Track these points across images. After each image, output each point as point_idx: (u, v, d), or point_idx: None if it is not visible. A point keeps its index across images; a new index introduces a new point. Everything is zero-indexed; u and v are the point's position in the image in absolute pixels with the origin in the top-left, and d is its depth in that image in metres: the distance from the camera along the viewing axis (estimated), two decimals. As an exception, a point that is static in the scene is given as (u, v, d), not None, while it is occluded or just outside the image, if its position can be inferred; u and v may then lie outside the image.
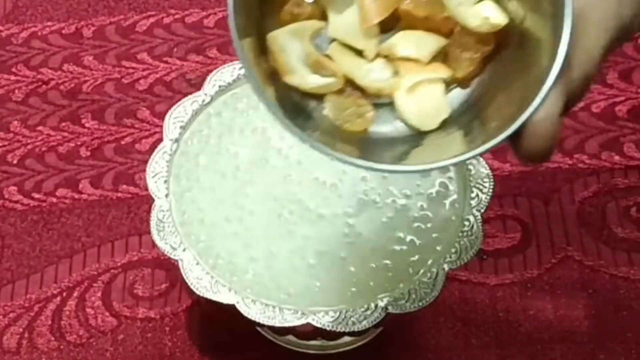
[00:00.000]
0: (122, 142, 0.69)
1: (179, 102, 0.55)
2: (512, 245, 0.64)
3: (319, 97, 0.39)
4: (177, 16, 0.75)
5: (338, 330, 0.50)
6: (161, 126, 0.56)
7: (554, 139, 0.35)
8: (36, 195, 0.67)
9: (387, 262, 0.51)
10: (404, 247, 0.52)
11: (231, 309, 0.50)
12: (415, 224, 0.52)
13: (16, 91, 0.72)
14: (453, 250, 0.51)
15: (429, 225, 0.52)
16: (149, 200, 0.54)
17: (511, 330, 0.61)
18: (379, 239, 0.52)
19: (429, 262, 0.51)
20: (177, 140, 0.54)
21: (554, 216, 0.64)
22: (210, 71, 0.57)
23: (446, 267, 0.51)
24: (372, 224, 0.52)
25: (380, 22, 0.38)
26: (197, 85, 0.58)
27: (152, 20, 0.75)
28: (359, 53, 0.39)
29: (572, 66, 0.35)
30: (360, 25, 0.38)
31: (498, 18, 0.38)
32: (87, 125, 0.70)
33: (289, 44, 0.38)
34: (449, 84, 0.39)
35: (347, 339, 0.59)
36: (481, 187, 0.52)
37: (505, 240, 0.64)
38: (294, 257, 0.52)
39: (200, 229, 0.52)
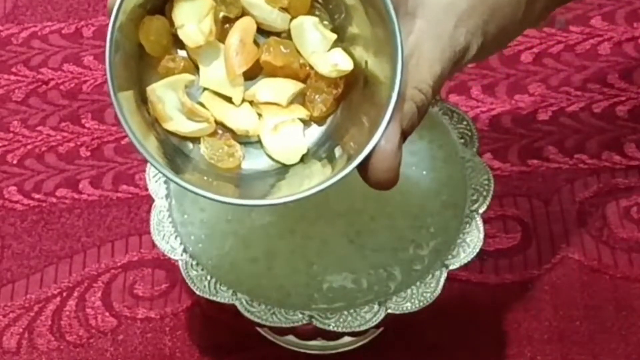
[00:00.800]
0: (122, 142, 0.69)
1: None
2: (512, 245, 0.64)
3: (195, 139, 0.44)
4: (177, 16, 0.75)
5: (338, 330, 0.50)
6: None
7: (395, 166, 0.41)
8: (36, 195, 0.67)
9: (388, 262, 0.51)
10: (405, 247, 0.52)
11: (231, 309, 0.50)
12: (416, 224, 0.52)
13: (16, 91, 0.72)
14: (453, 250, 0.51)
15: (429, 225, 0.52)
16: (149, 200, 0.54)
17: (511, 330, 0.61)
18: (380, 239, 0.52)
19: (429, 262, 0.51)
20: (177, 140, 0.54)
21: (554, 216, 0.64)
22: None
23: (446, 267, 0.51)
24: (373, 224, 0.53)
25: (244, 72, 0.43)
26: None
27: (152, 20, 0.74)
28: (228, 99, 0.44)
29: (405, 99, 0.41)
30: (227, 75, 0.43)
31: (345, 64, 0.43)
32: (87, 125, 0.70)
33: (166, 95, 0.43)
34: (307, 122, 0.45)
35: (347, 339, 0.59)
36: (481, 187, 0.52)
37: (506, 240, 0.64)
38: (294, 257, 0.52)
39: (200, 229, 0.52)
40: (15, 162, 0.68)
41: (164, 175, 0.40)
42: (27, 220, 0.66)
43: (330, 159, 0.43)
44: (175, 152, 0.44)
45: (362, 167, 0.41)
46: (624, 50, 0.71)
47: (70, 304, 0.62)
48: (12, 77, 0.72)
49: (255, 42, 0.44)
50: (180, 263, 0.51)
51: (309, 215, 0.52)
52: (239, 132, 0.44)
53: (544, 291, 0.62)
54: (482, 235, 0.51)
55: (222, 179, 0.43)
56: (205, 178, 0.43)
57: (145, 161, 0.41)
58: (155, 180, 0.53)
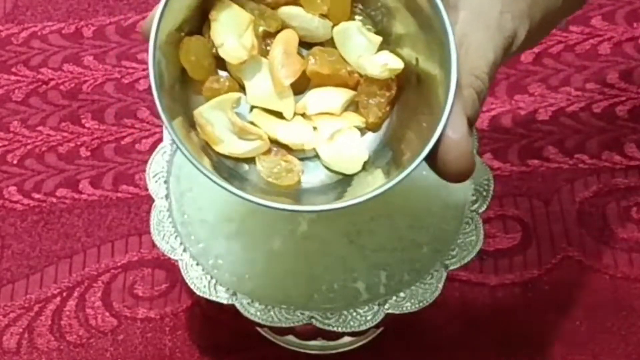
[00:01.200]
0: (122, 142, 0.69)
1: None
2: (512, 245, 0.64)
3: (250, 160, 0.42)
4: (177, 16, 0.75)
5: (338, 330, 0.50)
6: (161, 126, 0.56)
7: (467, 153, 0.40)
8: (36, 195, 0.67)
9: (388, 262, 0.51)
10: (405, 247, 0.52)
11: (231, 309, 0.50)
12: (416, 224, 0.52)
13: (16, 91, 0.72)
14: (453, 250, 0.51)
15: (429, 225, 0.52)
16: (149, 200, 0.54)
17: (511, 330, 0.61)
18: (380, 239, 0.52)
19: (429, 262, 0.51)
20: (177, 140, 0.54)
21: (554, 216, 0.64)
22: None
23: (446, 267, 0.51)
24: (373, 224, 0.52)
25: (292, 86, 0.42)
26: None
27: (152, 20, 0.75)
28: (279, 115, 0.42)
29: (462, 87, 0.40)
30: (274, 89, 0.42)
31: (395, 63, 0.42)
32: (87, 125, 0.70)
33: (214, 116, 0.41)
34: (363, 130, 0.43)
35: (347, 339, 0.59)
36: (481, 187, 0.53)
37: (506, 240, 0.64)
38: (294, 257, 0.52)
39: (200, 229, 0.52)
40: (15, 162, 0.68)
41: (248, 200, 0.38)
42: (27, 220, 0.66)
43: (392, 164, 0.42)
44: (231, 175, 0.42)
45: (434, 162, 0.40)
46: (624, 50, 0.71)
47: (70, 304, 0.62)
48: (12, 77, 0.72)
49: (299, 54, 0.42)
50: (180, 263, 0.51)
51: (309, 215, 0.52)
52: (294, 146, 0.42)
53: (544, 291, 0.62)
54: (482, 235, 0.51)
55: (283, 197, 0.41)
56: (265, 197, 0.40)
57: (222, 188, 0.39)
58: (155, 181, 0.53)
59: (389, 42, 0.43)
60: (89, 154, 0.68)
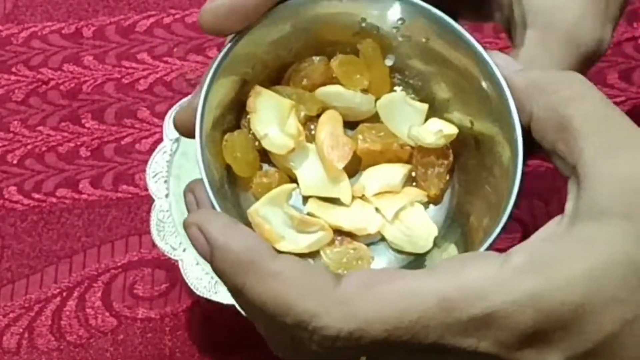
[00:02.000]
0: (122, 142, 0.69)
1: (179, 102, 0.55)
2: (512, 245, 0.63)
3: (314, 253, 0.39)
4: (177, 16, 0.75)
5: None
6: (161, 126, 0.56)
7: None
8: (36, 195, 0.67)
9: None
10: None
11: (231, 309, 0.50)
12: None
13: (16, 91, 0.72)
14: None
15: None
16: (149, 200, 0.54)
17: (511, 330, 0.60)
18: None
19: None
20: (177, 140, 0.54)
21: (554, 216, 0.64)
22: (210, 71, 0.57)
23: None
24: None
25: (344, 167, 0.39)
26: (197, 85, 0.58)
27: (152, 20, 0.75)
28: (336, 202, 0.40)
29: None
30: (327, 175, 0.40)
31: (449, 129, 0.39)
32: (87, 125, 0.70)
33: (270, 213, 0.38)
34: (425, 205, 0.40)
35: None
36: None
37: (505, 240, 0.63)
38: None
39: (200, 229, 0.52)
40: (15, 162, 0.68)
41: None
42: (27, 220, 0.66)
43: (464, 235, 0.39)
44: None
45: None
46: (624, 50, 0.71)
47: (70, 304, 0.62)
48: (12, 77, 0.72)
49: (346, 135, 0.40)
50: (180, 263, 0.51)
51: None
52: (359, 232, 0.39)
53: (544, 291, 0.62)
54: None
55: None
56: None
57: None
58: (155, 181, 0.53)
59: (434, 109, 0.41)
60: (89, 154, 0.68)
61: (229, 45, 0.38)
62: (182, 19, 0.74)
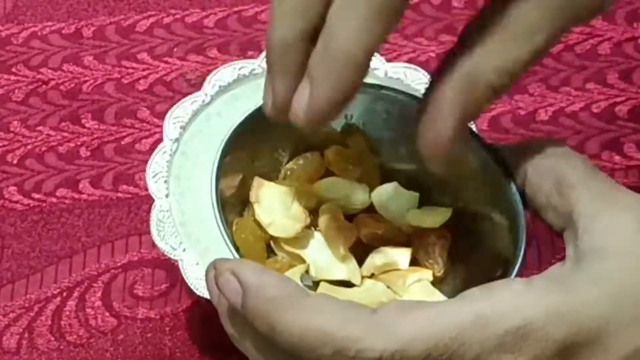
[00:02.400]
0: (122, 142, 0.69)
1: (179, 102, 0.55)
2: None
3: None
4: (177, 16, 0.75)
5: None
6: (161, 126, 0.56)
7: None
8: (36, 195, 0.67)
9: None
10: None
11: (231, 309, 0.50)
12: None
13: (16, 91, 0.72)
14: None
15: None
16: (149, 200, 0.54)
17: (511, 330, 0.60)
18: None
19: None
20: (177, 140, 0.54)
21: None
22: (210, 71, 0.57)
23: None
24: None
25: (352, 251, 0.42)
26: (197, 85, 0.58)
27: (152, 20, 0.75)
28: (347, 284, 0.42)
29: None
30: (335, 257, 0.41)
31: (443, 210, 0.42)
32: (87, 125, 0.70)
33: None
34: (432, 283, 0.43)
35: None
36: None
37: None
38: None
39: (200, 229, 0.52)
40: (15, 162, 0.68)
41: None
42: (27, 220, 0.66)
43: None
44: None
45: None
46: (624, 50, 0.71)
47: (70, 304, 0.62)
48: (12, 77, 0.72)
49: None
50: (180, 263, 0.51)
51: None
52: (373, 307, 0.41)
53: (544, 291, 0.62)
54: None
55: None
56: None
57: None
58: (155, 181, 0.53)
59: (426, 193, 0.43)
60: (89, 154, 0.68)
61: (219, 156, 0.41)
62: (182, 19, 0.74)
